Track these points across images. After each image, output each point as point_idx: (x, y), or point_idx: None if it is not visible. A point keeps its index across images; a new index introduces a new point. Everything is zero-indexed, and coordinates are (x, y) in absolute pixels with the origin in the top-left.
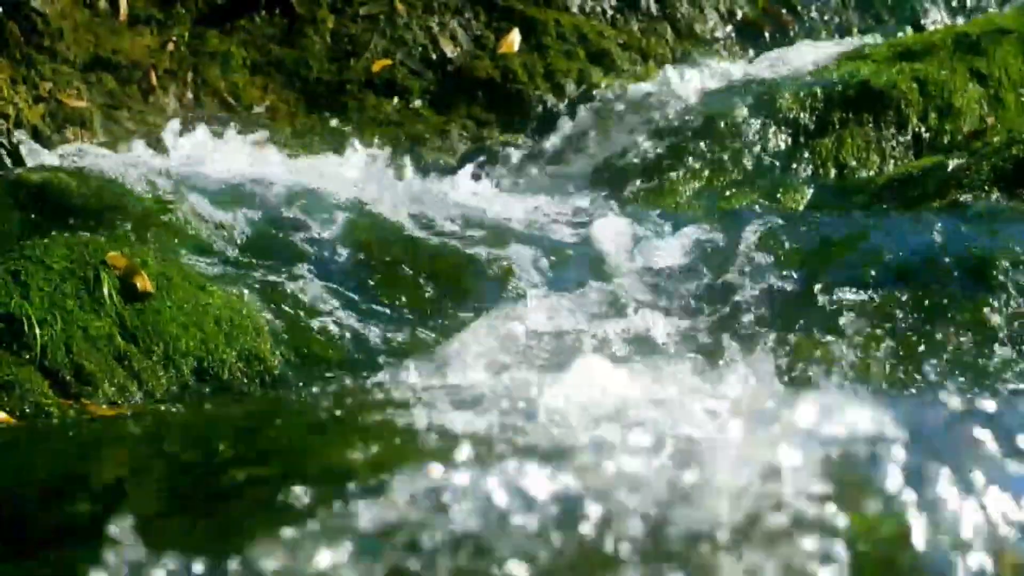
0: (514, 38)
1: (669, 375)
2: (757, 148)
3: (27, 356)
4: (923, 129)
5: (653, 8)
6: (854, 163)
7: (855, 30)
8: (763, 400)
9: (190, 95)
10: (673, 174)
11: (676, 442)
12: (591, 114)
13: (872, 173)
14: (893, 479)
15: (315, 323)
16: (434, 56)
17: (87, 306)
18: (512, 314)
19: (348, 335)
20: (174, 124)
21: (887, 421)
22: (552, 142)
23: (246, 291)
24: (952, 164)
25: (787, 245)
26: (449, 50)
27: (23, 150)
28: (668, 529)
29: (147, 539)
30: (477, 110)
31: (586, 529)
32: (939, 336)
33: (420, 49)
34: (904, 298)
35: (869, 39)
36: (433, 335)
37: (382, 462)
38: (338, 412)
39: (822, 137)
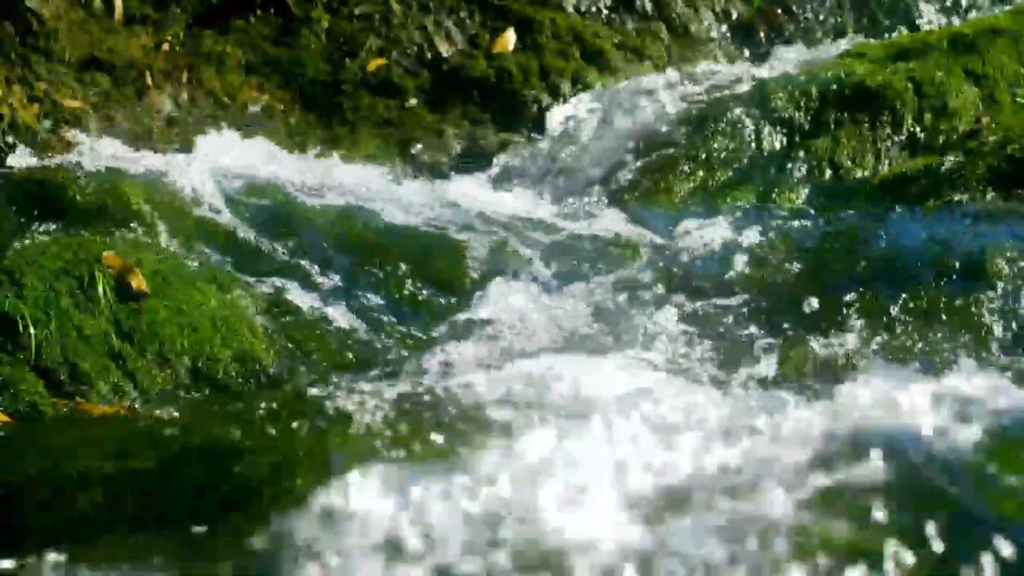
0: (509, 37)
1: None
2: (752, 148)
3: (22, 355)
4: (918, 129)
5: (648, 8)
6: (849, 163)
7: (850, 30)
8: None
9: (185, 95)
10: (668, 174)
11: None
12: (586, 114)
13: (867, 173)
14: (890, 475)
15: (310, 322)
16: (429, 55)
17: (82, 305)
18: (508, 313)
19: (343, 334)
20: (169, 124)
21: (881, 417)
22: (547, 141)
23: (241, 290)
24: (947, 164)
25: (781, 244)
26: (444, 49)
27: (18, 149)
28: None
29: (141, 538)
30: (472, 109)
31: None
32: (933, 334)
33: (415, 48)
34: (899, 297)
35: (864, 39)
36: (429, 334)
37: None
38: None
39: (817, 137)
